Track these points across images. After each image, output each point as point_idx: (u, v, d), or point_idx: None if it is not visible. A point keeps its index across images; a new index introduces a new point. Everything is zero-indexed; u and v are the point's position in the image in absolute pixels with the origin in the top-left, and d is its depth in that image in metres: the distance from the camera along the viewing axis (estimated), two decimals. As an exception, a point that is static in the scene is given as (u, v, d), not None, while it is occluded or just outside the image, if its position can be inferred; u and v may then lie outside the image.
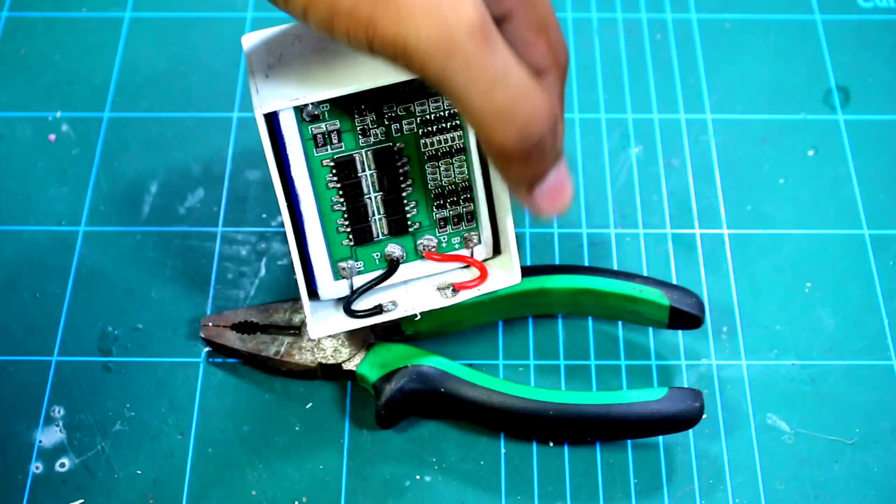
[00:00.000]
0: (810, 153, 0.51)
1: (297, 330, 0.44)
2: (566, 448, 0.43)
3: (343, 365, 0.43)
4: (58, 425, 0.43)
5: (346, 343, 0.43)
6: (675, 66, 0.54)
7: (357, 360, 0.43)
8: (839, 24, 0.56)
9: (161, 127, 0.51)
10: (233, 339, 0.44)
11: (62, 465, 0.42)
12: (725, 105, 0.53)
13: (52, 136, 0.51)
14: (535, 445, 0.43)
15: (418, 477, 0.42)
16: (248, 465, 0.42)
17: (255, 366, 0.45)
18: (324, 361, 0.43)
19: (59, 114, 0.52)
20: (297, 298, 0.44)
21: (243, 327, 0.44)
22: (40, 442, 0.43)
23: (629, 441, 0.43)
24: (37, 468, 0.42)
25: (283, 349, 0.44)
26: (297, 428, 0.43)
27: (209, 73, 0.53)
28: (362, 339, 0.44)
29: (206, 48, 0.54)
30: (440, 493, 0.42)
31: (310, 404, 0.44)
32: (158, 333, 0.45)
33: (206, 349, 0.45)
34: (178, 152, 0.51)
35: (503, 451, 0.43)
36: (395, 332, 0.44)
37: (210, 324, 0.45)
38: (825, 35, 0.55)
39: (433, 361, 0.42)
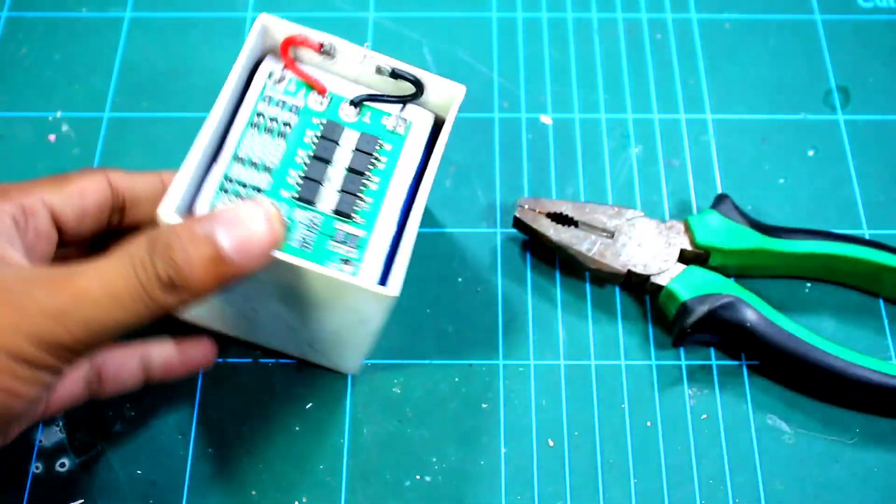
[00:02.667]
0: (810, 153, 0.51)
1: (611, 234, 0.45)
2: (566, 448, 0.43)
3: (652, 277, 0.44)
4: (58, 425, 0.43)
5: (659, 258, 0.44)
6: (675, 66, 0.54)
7: (667, 276, 0.44)
8: (839, 24, 0.56)
9: (161, 127, 0.51)
10: (546, 226, 0.45)
11: (62, 465, 0.42)
12: (725, 105, 0.53)
13: (53, 137, 0.51)
14: (534, 445, 0.43)
15: (418, 477, 0.42)
16: (248, 465, 0.42)
17: (562, 261, 0.46)
18: (633, 270, 0.44)
19: (59, 114, 0.52)
20: (616, 206, 0.46)
21: (558, 218, 0.45)
22: (40, 442, 0.43)
23: (628, 441, 0.43)
24: (37, 468, 0.42)
25: (595, 248, 0.44)
26: (297, 428, 0.43)
27: (209, 73, 0.53)
28: (675, 256, 0.44)
29: (206, 48, 0.54)
30: (440, 493, 0.42)
31: (310, 404, 0.44)
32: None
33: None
34: (178, 152, 0.50)
35: (503, 450, 0.43)
36: (700, 261, 0.45)
37: (526, 206, 0.46)
38: (825, 35, 0.55)
39: (749, 298, 0.43)
